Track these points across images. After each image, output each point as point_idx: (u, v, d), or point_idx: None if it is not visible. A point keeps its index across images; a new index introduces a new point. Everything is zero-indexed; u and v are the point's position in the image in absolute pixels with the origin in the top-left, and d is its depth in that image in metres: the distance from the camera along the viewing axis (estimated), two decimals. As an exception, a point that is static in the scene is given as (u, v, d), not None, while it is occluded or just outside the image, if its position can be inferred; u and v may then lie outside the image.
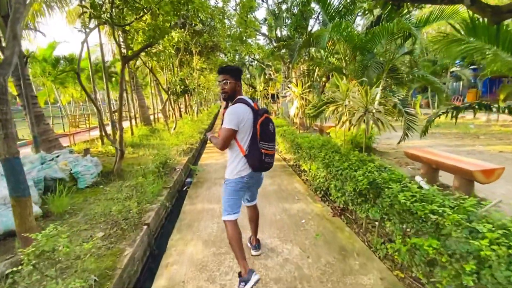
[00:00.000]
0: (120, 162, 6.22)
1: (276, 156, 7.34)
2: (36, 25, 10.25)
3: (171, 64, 14.02)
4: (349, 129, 7.40)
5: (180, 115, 21.00)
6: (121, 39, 6.18)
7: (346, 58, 7.02)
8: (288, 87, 12.10)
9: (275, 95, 22.42)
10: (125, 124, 14.56)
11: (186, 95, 18.48)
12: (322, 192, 4.35)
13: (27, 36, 10.43)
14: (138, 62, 11.73)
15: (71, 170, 5.37)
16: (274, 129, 2.42)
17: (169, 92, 12.31)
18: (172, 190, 5.22)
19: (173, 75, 19.24)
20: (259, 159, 2.28)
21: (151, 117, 15.63)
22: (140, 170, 5.38)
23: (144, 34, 5.30)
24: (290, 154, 6.93)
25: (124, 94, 12.44)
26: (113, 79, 16.36)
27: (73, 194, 4.94)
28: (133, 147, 9.49)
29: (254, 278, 2.16)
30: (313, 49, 9.87)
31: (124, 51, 5.71)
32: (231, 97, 2.35)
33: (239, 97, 2.34)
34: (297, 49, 7.36)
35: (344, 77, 7.09)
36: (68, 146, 8.72)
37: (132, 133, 11.13)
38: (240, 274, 2.31)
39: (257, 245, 2.90)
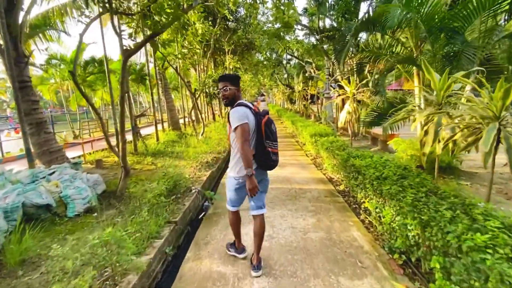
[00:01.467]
0: (124, 181, 5.08)
1: (320, 175, 5.66)
2: (65, 26, 9.79)
3: (202, 64, 13.01)
4: (422, 140, 5.47)
5: (214, 118, 20.10)
6: (123, 28, 5.06)
7: (419, 44, 5.12)
8: (332, 86, 10.29)
9: (315, 96, 20.48)
10: (149, 130, 13.85)
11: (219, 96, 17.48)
12: (406, 256, 2.64)
13: (56, 38, 10.02)
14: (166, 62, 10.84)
15: (61, 192, 4.30)
16: (276, 129, 2.59)
17: (198, 94, 11.22)
18: (179, 225, 3.88)
19: (205, 75, 18.41)
20: (268, 157, 2.47)
21: (182, 121, 14.83)
22: (146, 193, 4.14)
23: (145, 18, 4.08)
24: (339, 174, 5.24)
25: (155, 97, 11.75)
26: (146, 81, 15.89)
27: (56, 226, 3.85)
28: (154, 156, 8.49)
29: (243, 255, 2.90)
30: (366, 37, 8.00)
31: (126, 43, 4.54)
32: (231, 102, 2.48)
33: (239, 101, 2.48)
34: (351, 35, 5.64)
35: (414, 70, 5.19)
36: (79, 156, 7.94)
37: (158, 139, 10.22)
38: (234, 245, 2.97)
39: (257, 265, 2.62)
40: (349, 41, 5.78)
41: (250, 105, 2.50)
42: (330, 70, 9.14)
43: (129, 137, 7.76)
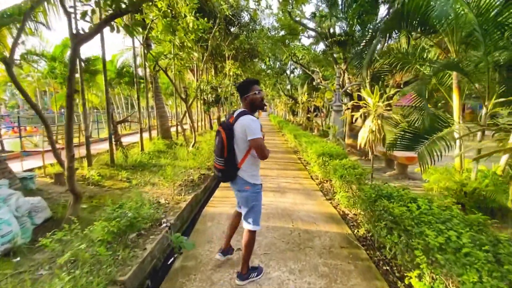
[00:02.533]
0: (74, 208, 3.84)
1: (330, 209, 4.38)
2: (48, 20, 8.73)
3: (198, 68, 11.95)
4: (462, 167, 4.27)
5: (211, 127, 18.95)
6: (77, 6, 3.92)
7: (458, 49, 3.97)
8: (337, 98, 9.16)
9: (318, 108, 19.36)
10: (135, 138, 12.56)
11: (218, 105, 16.36)
12: None
13: (36, 32, 8.93)
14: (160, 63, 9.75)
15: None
16: (220, 141, 2.41)
17: (191, 101, 10.08)
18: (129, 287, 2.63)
19: (200, 80, 17.37)
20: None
21: (174, 129, 13.65)
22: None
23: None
24: (356, 209, 4.02)
25: (148, 102, 10.63)
26: (141, 85, 14.81)
27: None
28: (133, 169, 7.27)
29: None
30: (382, 45, 6.90)
31: (75, 26, 3.37)
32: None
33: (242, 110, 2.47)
34: (379, 35, 4.51)
35: (454, 81, 4.02)
36: (34, 169, 6.71)
37: (142, 149, 9.01)
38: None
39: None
40: (375, 43, 4.64)
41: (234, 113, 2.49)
42: (341, 80, 8.04)
43: (104, 146, 6.62)
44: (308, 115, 14.50)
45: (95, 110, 18.15)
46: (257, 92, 2.39)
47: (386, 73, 6.05)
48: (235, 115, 2.40)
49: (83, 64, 11.41)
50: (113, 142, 8.08)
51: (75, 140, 10.16)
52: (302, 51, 10.61)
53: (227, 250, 2.93)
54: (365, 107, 4.65)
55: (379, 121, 4.26)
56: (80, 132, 9.40)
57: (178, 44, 7.62)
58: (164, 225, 3.93)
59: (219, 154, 2.39)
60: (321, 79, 11.31)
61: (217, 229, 3.79)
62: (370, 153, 4.65)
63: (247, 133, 2.25)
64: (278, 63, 19.73)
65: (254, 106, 2.44)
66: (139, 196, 4.32)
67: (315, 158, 6.01)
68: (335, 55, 10.02)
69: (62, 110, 15.26)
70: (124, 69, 14.37)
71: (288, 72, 20.51)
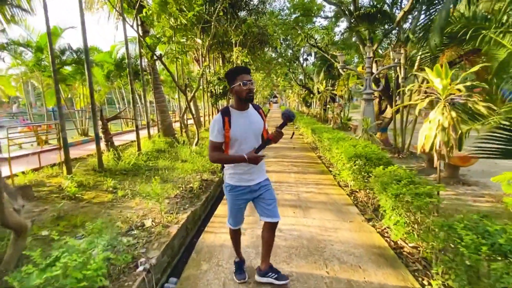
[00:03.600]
0: (16, 246, 2.72)
1: (375, 236, 3.07)
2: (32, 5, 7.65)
3: (200, 54, 10.74)
4: None
5: (219, 121, 17.75)
6: None
7: None
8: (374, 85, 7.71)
9: (333, 98, 17.71)
10: (131, 137, 11.46)
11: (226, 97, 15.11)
12: None
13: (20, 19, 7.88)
14: (159, 52, 8.55)
15: None
16: None
17: (193, 92, 8.87)
18: None
19: (207, 70, 16.11)
20: None
21: (180, 125, 12.54)
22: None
23: None
24: (432, 246, 2.74)
25: (150, 95, 9.41)
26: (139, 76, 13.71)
27: None
28: (124, 174, 6.17)
29: None
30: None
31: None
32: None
33: None
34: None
35: None
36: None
37: (139, 149, 7.90)
38: None
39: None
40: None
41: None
42: (370, 62, 6.59)
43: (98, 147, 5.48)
44: (327, 106, 13.02)
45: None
46: (242, 83, 2.00)
47: (443, 48, 4.62)
48: None
49: (74, 55, 10.37)
50: (105, 143, 7.02)
51: (54, 142, 9.18)
52: (321, 31, 9.15)
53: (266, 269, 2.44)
54: (430, 93, 3.27)
55: (453, 113, 2.89)
56: (56, 133, 8.37)
57: (174, 24, 6.37)
58: (141, 267, 2.76)
59: None
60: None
61: (216, 276, 2.59)
62: (436, 160, 3.28)
63: None
64: (290, 50, 18.19)
65: (240, 99, 2.06)
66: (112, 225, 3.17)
67: (344, 161, 4.70)
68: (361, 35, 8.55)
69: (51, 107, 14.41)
70: (124, 61, 13.25)
71: (301, 59, 18.95)
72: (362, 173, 4.13)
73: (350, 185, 4.95)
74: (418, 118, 6.82)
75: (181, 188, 5.20)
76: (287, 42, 18.03)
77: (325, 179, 5.67)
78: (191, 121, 16.85)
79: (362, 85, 9.09)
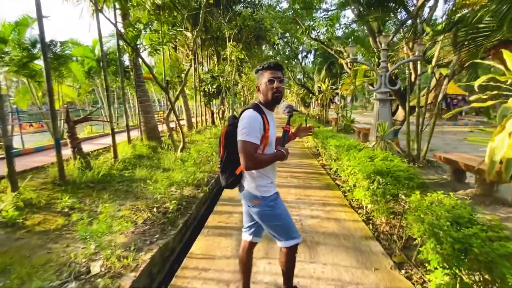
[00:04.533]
0: None
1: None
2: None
3: (190, 45, 9.72)
4: None
5: (213, 122, 16.73)
6: None
7: None
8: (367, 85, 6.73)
9: (330, 98, 16.63)
10: (119, 139, 10.31)
11: (220, 96, 14.09)
12: None
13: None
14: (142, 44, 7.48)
15: None
16: (220, 138, 1.95)
17: (179, 89, 7.82)
18: None
19: (202, 70, 15.08)
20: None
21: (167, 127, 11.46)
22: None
23: None
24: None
25: (133, 93, 8.18)
26: (128, 74, 12.64)
27: None
28: (90, 188, 5.12)
29: None
30: None
31: None
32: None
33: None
34: None
35: None
36: None
37: (115, 156, 6.84)
38: None
39: None
40: None
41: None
42: (387, 55, 5.58)
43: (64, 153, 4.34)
44: (333, 107, 12.00)
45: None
46: (268, 80, 1.72)
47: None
48: None
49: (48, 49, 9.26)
50: (71, 149, 5.95)
51: None
52: (324, 22, 8.14)
53: None
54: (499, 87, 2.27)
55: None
56: None
57: (150, 7, 5.33)
58: None
59: (219, 153, 1.96)
60: (347, 61, 8.80)
61: None
62: (488, 178, 2.28)
63: (238, 130, 1.70)
64: (288, 48, 17.19)
65: (267, 100, 1.77)
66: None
67: (359, 178, 3.68)
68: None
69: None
70: (109, 56, 12.16)
71: (300, 57, 17.95)
72: (387, 196, 3.12)
73: (366, 207, 3.94)
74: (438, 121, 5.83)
75: (154, 210, 4.16)
76: (285, 39, 17.05)
77: (333, 196, 4.65)
78: (183, 122, 15.83)
79: (371, 84, 8.10)
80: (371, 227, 3.50)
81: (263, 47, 17.37)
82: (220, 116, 15.24)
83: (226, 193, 4.99)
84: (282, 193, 4.90)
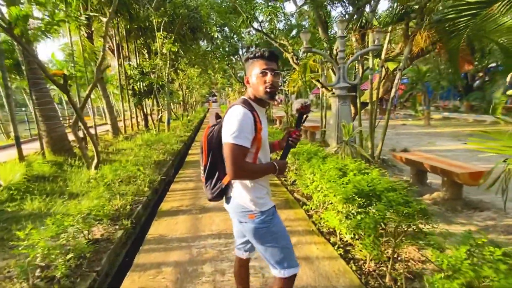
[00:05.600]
0: None
1: None
2: None
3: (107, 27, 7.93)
4: None
5: (147, 125, 14.69)
6: None
7: None
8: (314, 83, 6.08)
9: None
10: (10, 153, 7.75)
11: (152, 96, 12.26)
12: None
13: None
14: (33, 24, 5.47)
15: None
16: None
17: (92, 85, 6.06)
18: None
19: (130, 66, 13.02)
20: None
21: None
22: None
23: None
24: None
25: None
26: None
27: None
28: None
29: None
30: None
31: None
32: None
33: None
34: None
35: None
36: None
37: (-6, 181, 4.84)
38: None
39: None
40: None
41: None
42: (345, 44, 4.88)
43: None
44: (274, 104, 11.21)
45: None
46: (261, 72, 1.45)
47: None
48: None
49: None
50: None
51: None
52: (268, 10, 7.19)
53: None
54: None
55: None
56: None
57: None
58: None
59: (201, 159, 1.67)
60: (293, 58, 8.04)
61: None
62: None
63: (223, 130, 1.44)
64: (227, 43, 16.06)
65: (258, 95, 1.51)
66: None
67: (335, 201, 2.79)
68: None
69: None
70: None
71: (241, 53, 16.94)
72: (378, 230, 2.27)
73: (340, 234, 3.09)
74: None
75: (34, 275, 2.64)
76: (224, 34, 15.87)
77: (295, 218, 3.73)
78: (106, 127, 13.43)
79: (318, 80, 7.51)
80: (353, 266, 2.63)
81: (201, 42, 15.94)
82: (157, 118, 13.32)
83: (158, 226, 3.69)
84: (219, 222, 3.81)
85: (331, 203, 2.91)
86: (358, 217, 2.35)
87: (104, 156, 7.89)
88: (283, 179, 5.48)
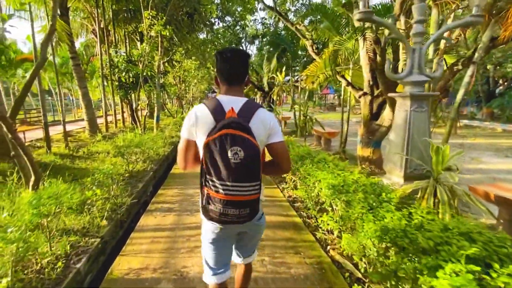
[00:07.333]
0: None
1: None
2: None
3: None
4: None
5: (135, 120, 12.93)
6: None
7: None
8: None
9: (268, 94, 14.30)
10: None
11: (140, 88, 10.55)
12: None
13: None
14: None
15: None
16: (244, 159, 1.25)
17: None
18: None
19: (117, 54, 11.33)
20: (207, 203, 1.34)
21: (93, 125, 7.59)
22: None
23: None
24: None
25: None
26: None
27: None
28: None
29: None
30: None
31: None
32: None
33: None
34: None
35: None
36: None
37: None
38: None
39: None
40: None
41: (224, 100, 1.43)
42: (417, 15, 3.23)
43: None
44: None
45: None
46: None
47: None
48: (235, 106, 1.37)
49: None
50: None
51: None
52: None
53: None
54: None
55: None
56: None
57: None
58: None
59: (251, 175, 1.31)
60: (312, 45, 6.43)
61: None
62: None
63: (273, 133, 1.41)
64: (229, 32, 14.39)
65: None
66: None
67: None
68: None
69: None
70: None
71: (243, 45, 15.28)
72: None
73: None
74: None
75: None
76: (226, 24, 14.19)
77: (304, 245, 2.11)
78: (82, 123, 11.70)
79: (343, 76, 5.84)
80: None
81: (200, 35, 14.28)
82: (146, 113, 11.57)
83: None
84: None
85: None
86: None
87: (67, 163, 6.22)
88: (291, 192, 3.84)
